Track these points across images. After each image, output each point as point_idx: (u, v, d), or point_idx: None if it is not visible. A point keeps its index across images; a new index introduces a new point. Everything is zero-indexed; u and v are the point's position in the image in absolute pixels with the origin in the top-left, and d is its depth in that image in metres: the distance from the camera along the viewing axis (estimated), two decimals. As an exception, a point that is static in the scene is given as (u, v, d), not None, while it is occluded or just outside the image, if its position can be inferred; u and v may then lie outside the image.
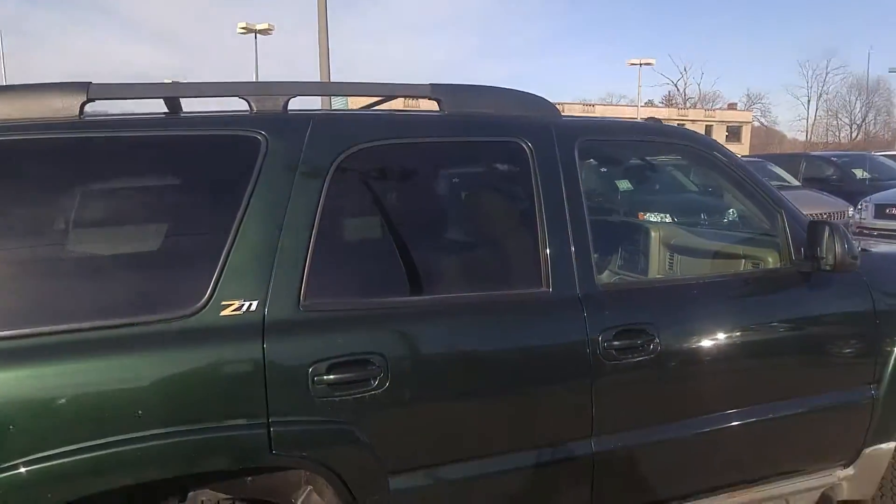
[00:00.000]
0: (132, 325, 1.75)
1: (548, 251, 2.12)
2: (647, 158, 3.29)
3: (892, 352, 2.52)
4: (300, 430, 1.81)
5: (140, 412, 1.70)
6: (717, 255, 2.92)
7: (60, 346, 1.68)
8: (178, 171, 2.03)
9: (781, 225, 2.41)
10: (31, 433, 1.62)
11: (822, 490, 2.57)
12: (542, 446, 2.11)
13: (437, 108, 2.22)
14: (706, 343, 2.26)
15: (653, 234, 3.10)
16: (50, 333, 1.68)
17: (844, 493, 2.61)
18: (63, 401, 1.66)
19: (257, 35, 27.14)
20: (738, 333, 2.31)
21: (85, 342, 1.70)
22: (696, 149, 2.55)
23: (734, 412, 2.34)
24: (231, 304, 1.82)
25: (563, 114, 2.43)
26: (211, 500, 1.94)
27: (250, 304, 1.83)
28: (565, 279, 2.12)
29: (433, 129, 2.21)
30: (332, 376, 1.83)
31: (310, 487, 2.09)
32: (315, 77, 14.15)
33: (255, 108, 2.06)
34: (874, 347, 2.50)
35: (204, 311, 1.79)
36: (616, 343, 2.11)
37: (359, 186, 2.14)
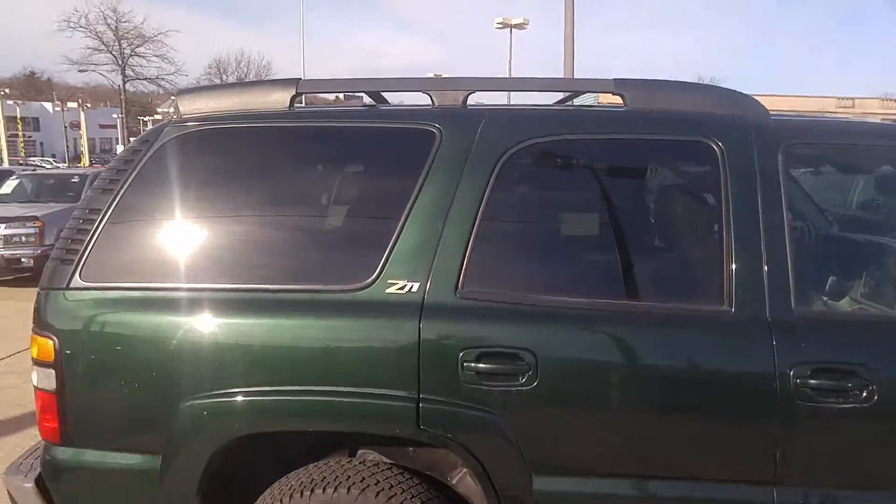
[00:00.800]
0: (316, 291, 2.02)
1: (733, 266, 1.96)
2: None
3: None
4: (447, 410, 1.94)
5: (311, 368, 1.96)
6: None
7: (264, 302, 2.01)
8: (365, 158, 2.27)
9: None
10: (236, 370, 1.98)
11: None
12: (707, 480, 1.97)
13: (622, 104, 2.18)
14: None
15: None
16: (260, 291, 2.02)
17: None
18: (258, 347, 1.98)
19: (512, 29, 28.04)
20: None
21: (280, 301, 2.01)
22: None
23: None
24: (395, 283, 2.00)
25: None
26: (376, 461, 2.15)
27: (412, 286, 2.00)
28: (752, 300, 1.94)
29: (611, 126, 2.18)
30: (481, 365, 1.93)
31: (465, 470, 2.21)
32: (560, 70, 14.25)
33: (436, 103, 2.22)
34: None
35: (372, 286, 2.00)
36: (813, 382, 1.88)
37: (526, 181, 2.19)
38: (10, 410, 4.76)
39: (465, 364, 1.93)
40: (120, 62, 45.40)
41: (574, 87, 2.42)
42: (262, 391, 1.98)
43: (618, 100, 2.18)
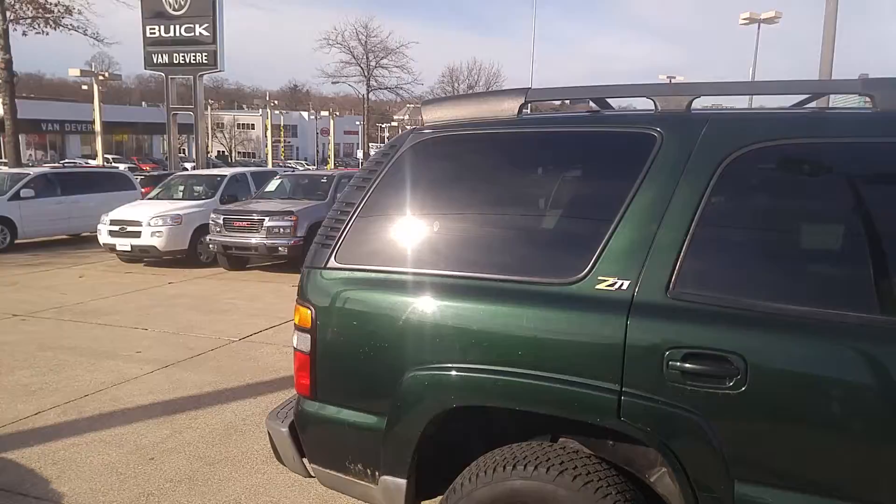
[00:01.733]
0: (530, 283, 2.22)
1: None
2: None
3: None
4: (648, 405, 2.02)
5: (520, 352, 2.17)
6: None
7: (482, 289, 2.26)
8: (585, 161, 2.42)
9: None
10: (454, 348, 2.26)
11: None
12: None
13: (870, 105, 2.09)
14: None
15: None
16: (480, 279, 2.28)
17: None
18: (475, 329, 2.24)
19: (760, 25, 26.07)
20: None
21: (497, 290, 2.25)
22: None
23: None
24: (606, 280, 2.13)
25: None
26: (576, 449, 2.30)
27: (622, 283, 2.11)
28: None
29: (853, 129, 2.09)
30: (686, 364, 1.98)
31: (664, 469, 2.28)
32: (815, 69, 13.03)
33: (659, 108, 2.30)
34: None
35: (583, 281, 2.15)
36: None
37: (748, 186, 2.16)
38: (267, 375, 5.65)
39: (669, 363, 2.00)
40: (366, 73, 50.06)
41: (812, 88, 2.33)
42: (475, 368, 2.22)
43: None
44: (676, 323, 2.04)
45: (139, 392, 5.20)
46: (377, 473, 2.44)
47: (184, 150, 48.80)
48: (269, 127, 57.00)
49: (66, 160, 35.40)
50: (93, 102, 26.31)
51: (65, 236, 14.92)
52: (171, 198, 12.85)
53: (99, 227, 11.80)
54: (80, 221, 14.01)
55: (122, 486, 3.67)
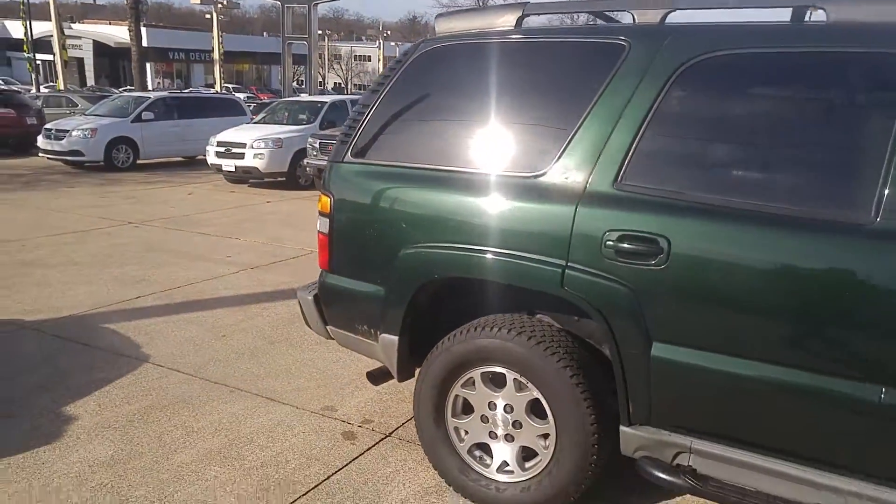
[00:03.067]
0: (505, 175, 2.67)
1: (889, 182, 2.08)
2: None
3: None
4: (586, 277, 2.45)
5: (490, 233, 2.64)
6: None
7: (464, 181, 2.74)
8: (564, 68, 2.79)
9: None
10: (439, 231, 2.76)
11: None
12: (816, 372, 2.17)
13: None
14: None
15: None
16: (463, 172, 2.76)
17: None
18: (456, 214, 2.72)
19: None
20: None
21: (477, 181, 2.71)
22: None
23: None
24: (564, 174, 2.55)
25: None
26: (548, 322, 2.77)
27: (578, 176, 2.52)
28: None
29: (802, 39, 2.36)
30: (621, 244, 2.39)
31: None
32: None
33: (637, 21, 2.65)
34: None
35: (546, 174, 2.58)
36: None
37: (697, 91, 2.47)
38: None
39: (607, 242, 2.41)
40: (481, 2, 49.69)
41: (773, 1, 2.57)
42: (453, 247, 2.72)
43: None
44: (616, 209, 2.44)
45: (224, 287, 6.09)
46: (378, 332, 3.02)
47: (301, 80, 50.79)
48: (383, 59, 58.13)
49: (190, 88, 38.19)
50: (211, 31, 28.00)
51: (180, 158, 16.45)
52: (276, 123, 13.87)
53: (207, 148, 13.02)
54: (194, 144, 15.29)
55: (197, 354, 4.50)
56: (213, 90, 27.13)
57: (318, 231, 3.17)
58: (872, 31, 2.24)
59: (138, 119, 14.82)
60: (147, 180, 13.40)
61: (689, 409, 2.43)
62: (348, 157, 3.09)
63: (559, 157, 2.58)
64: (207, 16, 32.44)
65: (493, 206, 2.67)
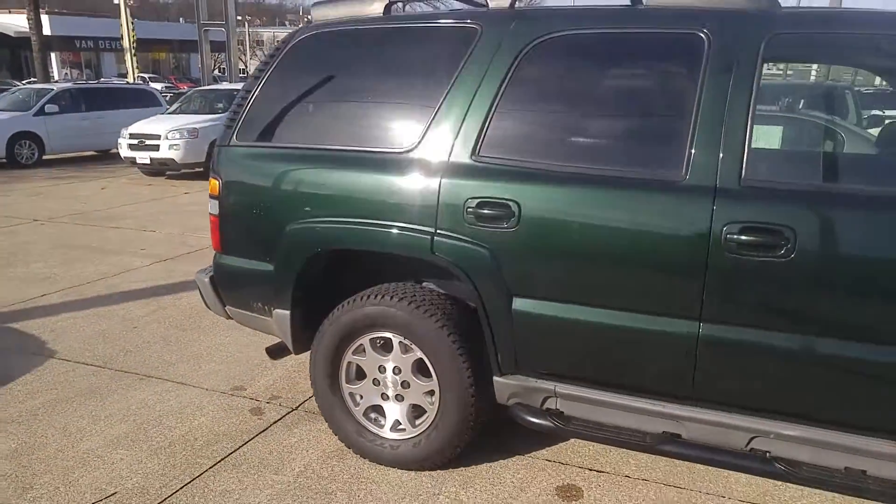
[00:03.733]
0: (379, 151, 2.89)
1: (693, 142, 2.41)
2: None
3: None
4: (452, 242, 2.71)
5: (366, 205, 2.86)
6: None
7: (341, 158, 2.95)
8: (425, 51, 3.01)
9: None
10: (319, 206, 2.97)
11: None
12: (648, 313, 2.51)
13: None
14: (859, 264, 2.24)
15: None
16: (339, 150, 2.97)
17: None
18: (334, 190, 2.93)
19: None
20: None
21: (353, 158, 2.93)
22: None
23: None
24: (430, 148, 2.80)
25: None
26: (432, 289, 3.02)
27: (442, 149, 2.77)
28: (703, 170, 2.39)
29: (616, 21, 2.67)
30: (480, 210, 2.65)
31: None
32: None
33: (490, 5, 2.91)
34: None
35: (415, 149, 2.82)
36: (743, 238, 2.32)
37: (539, 69, 2.75)
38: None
39: (468, 209, 2.67)
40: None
41: None
42: (333, 220, 2.94)
43: None
44: (475, 179, 2.70)
45: (136, 280, 6.15)
46: (272, 308, 3.22)
47: (222, 68, 49.62)
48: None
49: (101, 79, 36.93)
50: (119, 17, 27.17)
51: (93, 152, 16.08)
52: (191, 112, 13.72)
53: (119, 140, 12.80)
54: (108, 137, 14.80)
55: (106, 346, 4.60)
56: (125, 81, 26.36)
57: (210, 213, 3.34)
58: (679, 13, 2.57)
59: (41, 112, 14.40)
60: (55, 176, 13.09)
61: (550, 356, 2.73)
62: (234, 140, 3.26)
63: (425, 133, 2.82)
64: (116, 1, 31.45)
65: (368, 181, 2.89)
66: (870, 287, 2.25)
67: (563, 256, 2.60)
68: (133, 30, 27.20)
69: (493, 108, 2.72)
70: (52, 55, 45.60)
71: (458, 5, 3.26)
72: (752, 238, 2.31)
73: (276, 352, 3.46)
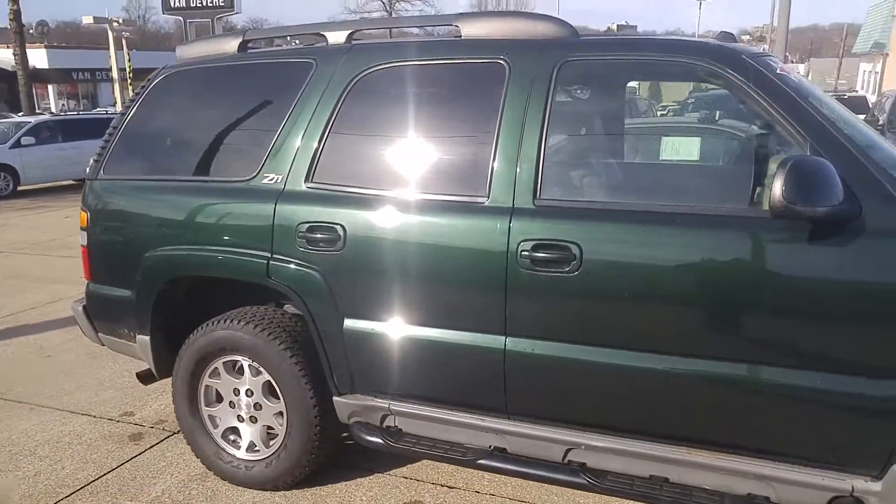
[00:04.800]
0: (219, 181, 3.02)
1: (494, 164, 2.53)
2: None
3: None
4: (285, 266, 2.83)
5: (210, 233, 2.98)
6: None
7: (189, 188, 3.07)
8: (264, 86, 3.15)
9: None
10: (169, 234, 3.09)
11: (833, 496, 2.22)
12: (462, 330, 2.62)
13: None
14: (640, 274, 2.32)
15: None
16: (188, 181, 3.10)
17: (875, 516, 2.18)
18: (181, 219, 3.05)
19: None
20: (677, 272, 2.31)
21: (194, 187, 3.06)
22: (722, 72, 2.37)
23: (680, 359, 2.32)
24: (268, 176, 2.92)
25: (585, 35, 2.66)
26: (289, 312, 3.13)
27: (277, 178, 2.90)
28: (503, 191, 2.51)
29: (434, 53, 2.81)
30: (310, 234, 2.77)
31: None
32: None
33: (329, 41, 3.05)
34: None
35: (254, 178, 2.94)
36: (536, 255, 2.43)
37: (363, 100, 2.87)
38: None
39: (299, 234, 2.79)
40: (388, 9, 50.27)
41: (419, 22, 3.03)
42: (182, 248, 3.06)
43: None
44: (307, 204, 2.82)
45: (65, 308, 6.25)
46: (135, 334, 3.32)
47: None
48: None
49: (97, 109, 37.43)
50: (109, 49, 27.62)
51: (71, 181, 16.29)
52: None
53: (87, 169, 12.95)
54: (84, 166, 15.11)
55: (13, 374, 4.70)
56: (112, 109, 26.73)
57: (81, 244, 3.45)
58: (484, 43, 2.70)
59: (17, 145, 14.65)
60: (27, 206, 13.28)
61: (381, 375, 2.83)
62: (101, 174, 3.39)
63: (264, 163, 2.94)
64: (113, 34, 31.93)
65: (213, 210, 3.02)
66: (650, 299, 2.35)
67: (385, 278, 2.71)
68: (129, 60, 27.60)
69: (325, 137, 2.85)
70: (50, 87, 46.19)
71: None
72: (542, 255, 2.42)
73: (145, 377, 3.55)
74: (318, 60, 2.97)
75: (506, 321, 2.52)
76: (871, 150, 2.27)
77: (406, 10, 50.48)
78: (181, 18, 27.37)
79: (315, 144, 2.86)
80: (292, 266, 2.82)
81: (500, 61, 2.63)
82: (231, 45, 3.29)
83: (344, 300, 2.78)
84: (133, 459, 3.51)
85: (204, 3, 24.82)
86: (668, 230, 2.34)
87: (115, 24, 27.55)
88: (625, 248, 2.39)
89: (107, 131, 3.47)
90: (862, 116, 11.75)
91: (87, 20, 26.88)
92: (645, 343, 2.38)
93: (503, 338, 2.54)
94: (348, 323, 2.79)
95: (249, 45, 3.32)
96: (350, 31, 3.04)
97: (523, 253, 2.44)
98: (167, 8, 23.17)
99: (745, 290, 2.24)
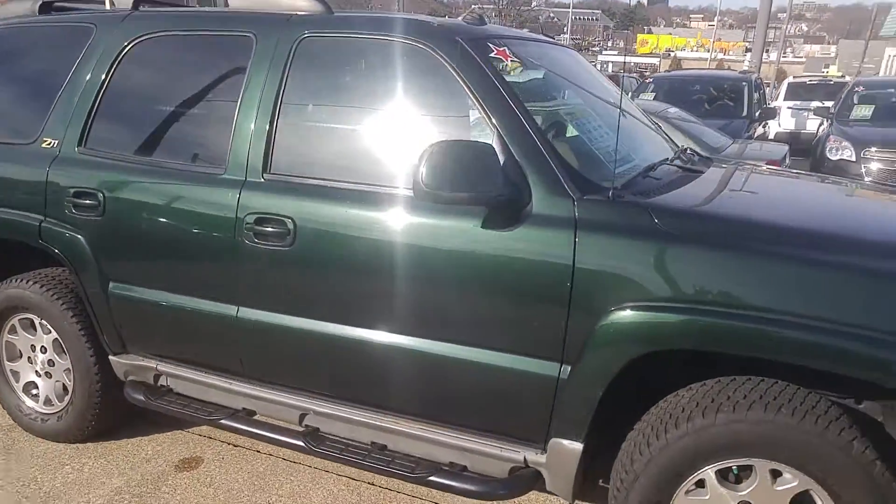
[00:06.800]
0: (3, 143, 3.13)
1: (233, 137, 2.63)
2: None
3: (591, 330, 2.09)
4: (54, 228, 2.96)
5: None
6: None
7: None
8: (46, 49, 3.24)
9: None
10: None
11: (511, 465, 2.35)
12: (203, 297, 2.75)
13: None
14: (344, 251, 2.44)
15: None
16: None
17: (547, 484, 2.31)
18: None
19: None
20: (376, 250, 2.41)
21: None
22: (427, 50, 2.44)
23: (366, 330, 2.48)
24: (45, 141, 3.03)
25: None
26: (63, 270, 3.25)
27: (54, 142, 3.01)
28: (238, 164, 2.63)
29: (200, 24, 2.93)
30: (75, 199, 2.90)
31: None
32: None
33: (115, 5, 3.12)
34: (558, 317, 2.14)
35: (35, 143, 3.05)
36: (258, 228, 2.55)
37: (136, 67, 2.97)
38: None
39: (67, 199, 2.91)
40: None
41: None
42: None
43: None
44: (77, 169, 2.95)
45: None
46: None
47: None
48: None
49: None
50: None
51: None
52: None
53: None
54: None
55: None
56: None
57: None
58: (238, 17, 2.80)
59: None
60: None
61: (146, 337, 2.98)
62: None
63: (43, 128, 3.05)
64: None
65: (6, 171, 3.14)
66: (346, 275, 2.48)
67: (139, 244, 2.86)
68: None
69: (97, 102, 2.96)
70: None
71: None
72: (263, 228, 2.54)
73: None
74: (97, 25, 3.07)
75: (236, 291, 2.64)
76: (568, 142, 2.36)
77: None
78: None
79: (86, 110, 2.97)
80: (61, 229, 2.96)
81: (249, 34, 2.71)
82: (35, 4, 3.37)
83: (107, 264, 2.91)
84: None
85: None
86: (356, 209, 2.44)
87: None
88: (324, 225, 2.49)
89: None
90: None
91: None
92: (348, 317, 2.51)
93: (235, 307, 2.66)
94: (112, 286, 2.93)
95: (54, 4, 3.40)
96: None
97: (247, 225, 2.56)
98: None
99: (410, 271, 2.36)
